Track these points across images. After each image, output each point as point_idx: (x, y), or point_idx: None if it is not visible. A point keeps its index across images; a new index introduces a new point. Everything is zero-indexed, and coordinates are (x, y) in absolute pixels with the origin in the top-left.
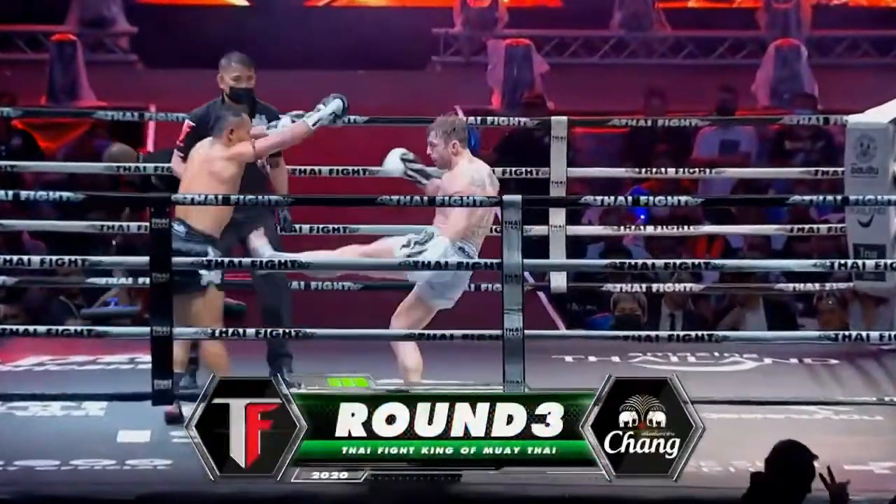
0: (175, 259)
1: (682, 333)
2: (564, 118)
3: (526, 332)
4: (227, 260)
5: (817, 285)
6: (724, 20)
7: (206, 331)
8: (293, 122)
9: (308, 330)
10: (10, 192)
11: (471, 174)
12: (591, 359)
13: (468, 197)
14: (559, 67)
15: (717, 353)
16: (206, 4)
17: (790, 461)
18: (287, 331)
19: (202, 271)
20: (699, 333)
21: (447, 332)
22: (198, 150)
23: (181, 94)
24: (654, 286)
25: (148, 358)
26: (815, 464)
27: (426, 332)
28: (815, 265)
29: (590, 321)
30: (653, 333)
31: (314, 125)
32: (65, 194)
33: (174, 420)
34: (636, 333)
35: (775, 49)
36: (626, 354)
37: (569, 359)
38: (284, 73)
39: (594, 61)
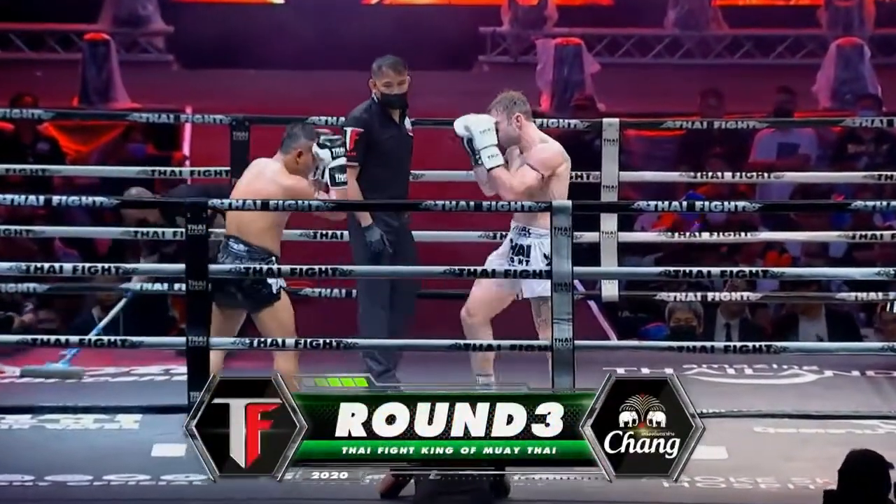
0: (212, 266)
1: (739, 344)
2: (616, 120)
3: (576, 342)
4: (264, 267)
5: (881, 294)
6: (784, 18)
7: (244, 341)
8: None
9: (349, 340)
10: (42, 198)
11: (559, 146)
12: (645, 370)
13: (516, 203)
14: (611, 67)
15: (775, 365)
16: (244, 2)
17: (865, 471)
18: (328, 341)
19: (270, 280)
20: (757, 344)
21: (494, 343)
22: (258, 163)
23: (219, 96)
24: (710, 295)
25: (184, 369)
26: (893, 474)
27: (472, 342)
28: (879, 273)
29: (642, 331)
30: (708, 344)
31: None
32: (98, 199)
33: None
34: (691, 344)
35: (837, 48)
36: (681, 366)
37: (621, 371)
38: (324, 73)
39: (647, 61)
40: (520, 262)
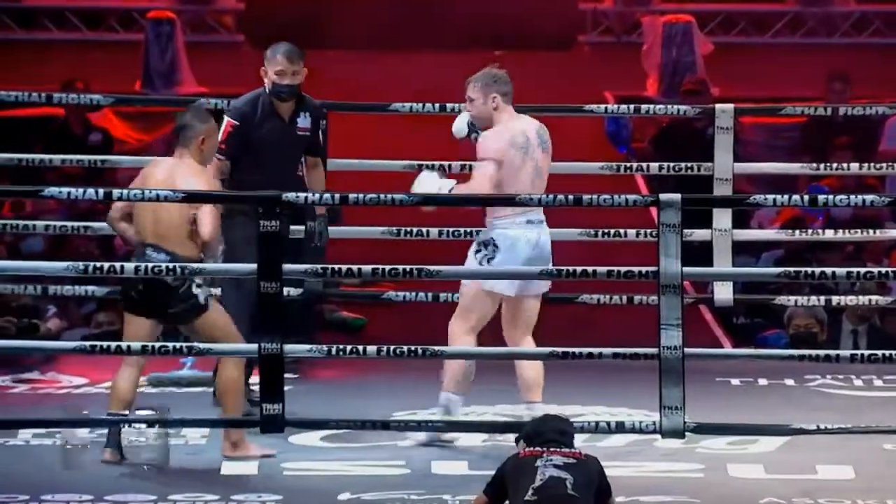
0: (287, 267)
1: (867, 353)
2: (731, 106)
3: (686, 350)
4: (342, 267)
5: None
6: None
7: (321, 348)
8: None
9: (437, 348)
10: (101, 191)
11: (511, 134)
12: (762, 381)
13: (620, 196)
14: (725, 47)
15: None
16: None
17: None
18: (413, 348)
19: (195, 290)
20: (887, 353)
21: (595, 351)
22: (158, 167)
23: None
24: (835, 298)
25: (256, 379)
26: None
27: (572, 350)
28: None
29: (759, 339)
30: (833, 353)
31: None
32: (162, 192)
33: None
34: (814, 353)
35: None
36: (802, 377)
37: (736, 381)
38: (409, 56)
39: (766, 40)
40: (484, 257)
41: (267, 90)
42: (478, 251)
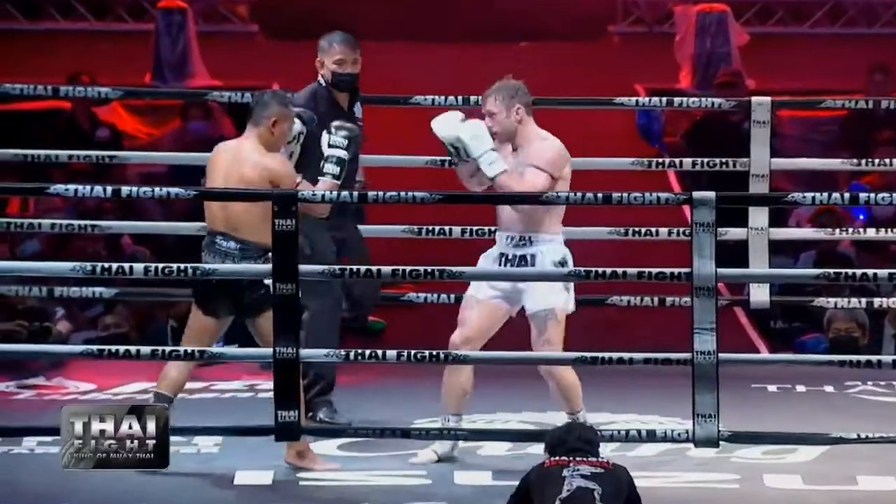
0: (302, 267)
1: None
2: (767, 99)
3: (720, 355)
4: (361, 268)
5: None
6: None
7: (338, 352)
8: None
9: (459, 352)
10: (109, 188)
11: (560, 144)
12: (800, 388)
13: (652, 195)
14: (762, 38)
15: None
16: None
17: None
18: (435, 353)
19: (266, 280)
20: None
21: (626, 356)
22: (223, 150)
23: (309, 71)
24: (876, 301)
25: (270, 385)
26: None
27: (600, 354)
28: None
29: (797, 343)
30: (874, 358)
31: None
32: (173, 190)
33: None
34: (854, 358)
35: None
36: (842, 383)
37: (772, 388)
38: (433, 46)
39: (804, 30)
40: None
41: (322, 82)
42: None
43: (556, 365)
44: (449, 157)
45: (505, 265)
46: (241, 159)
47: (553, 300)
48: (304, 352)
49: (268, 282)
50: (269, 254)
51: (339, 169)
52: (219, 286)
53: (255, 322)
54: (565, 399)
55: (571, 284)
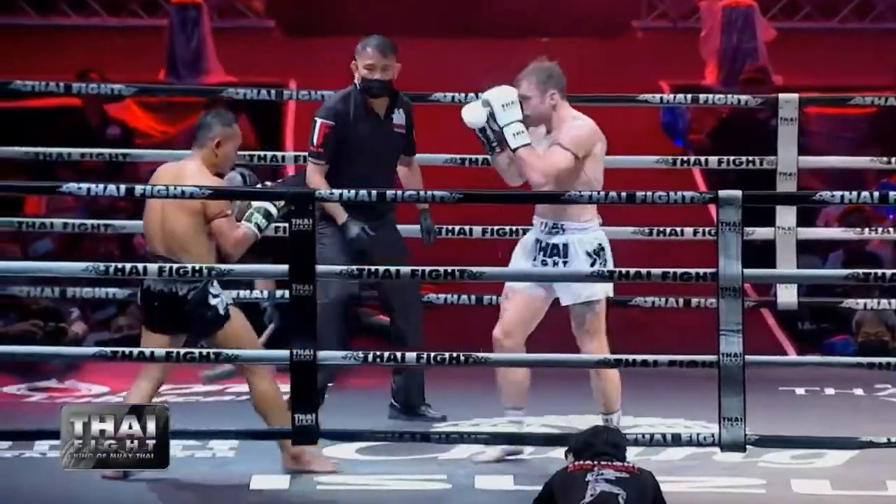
0: (319, 268)
1: None
2: (795, 96)
3: (747, 357)
4: (380, 269)
5: None
6: None
7: (356, 355)
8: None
9: (480, 354)
10: (123, 187)
11: (591, 122)
12: (829, 391)
13: (677, 193)
14: (789, 33)
15: None
16: None
17: None
18: (455, 355)
19: (213, 301)
20: None
21: (650, 358)
22: (170, 167)
23: (327, 69)
24: None
25: (287, 387)
26: None
27: (624, 357)
28: None
29: (826, 345)
30: None
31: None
32: (187, 189)
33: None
34: (884, 360)
35: None
36: (872, 386)
37: (800, 390)
38: (453, 43)
39: (832, 25)
40: (554, 263)
41: (358, 86)
42: (593, 262)
43: (581, 367)
44: (464, 156)
45: (539, 252)
46: (182, 179)
47: (587, 292)
48: (321, 353)
49: (214, 302)
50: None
51: (265, 223)
52: (160, 313)
53: (210, 342)
54: (603, 397)
55: (606, 268)
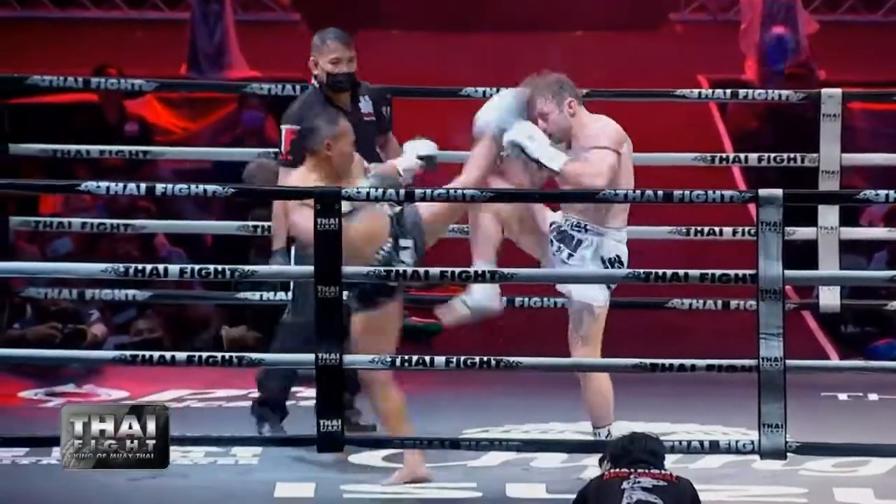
0: (346, 269)
1: None
2: (838, 91)
3: (788, 362)
4: (408, 270)
5: None
6: None
7: (384, 359)
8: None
9: (511, 359)
10: (143, 185)
11: (612, 120)
12: (872, 397)
13: (715, 192)
14: (832, 26)
15: None
16: None
17: None
18: (484, 359)
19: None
20: None
21: (688, 362)
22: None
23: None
24: None
25: (312, 392)
26: None
27: (660, 361)
28: None
29: (870, 349)
30: None
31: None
32: (210, 188)
33: None
34: None
35: None
36: None
37: (843, 396)
38: (479, 37)
39: (876, 18)
40: (558, 250)
41: (318, 83)
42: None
43: (603, 372)
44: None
45: (553, 232)
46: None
47: (591, 294)
48: (347, 358)
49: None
50: None
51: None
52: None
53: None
54: (590, 409)
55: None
